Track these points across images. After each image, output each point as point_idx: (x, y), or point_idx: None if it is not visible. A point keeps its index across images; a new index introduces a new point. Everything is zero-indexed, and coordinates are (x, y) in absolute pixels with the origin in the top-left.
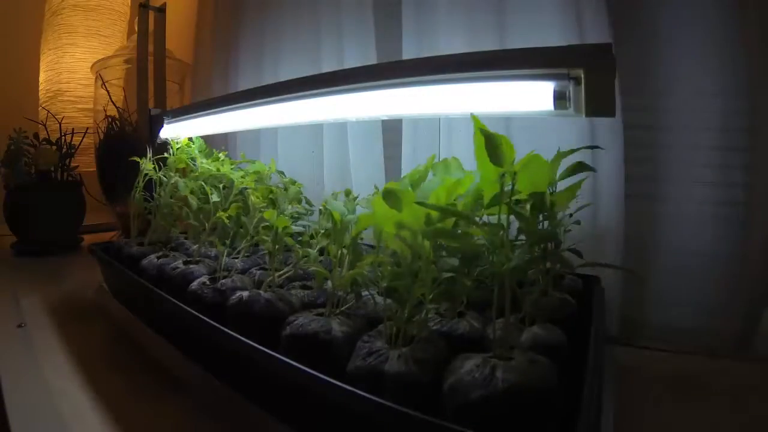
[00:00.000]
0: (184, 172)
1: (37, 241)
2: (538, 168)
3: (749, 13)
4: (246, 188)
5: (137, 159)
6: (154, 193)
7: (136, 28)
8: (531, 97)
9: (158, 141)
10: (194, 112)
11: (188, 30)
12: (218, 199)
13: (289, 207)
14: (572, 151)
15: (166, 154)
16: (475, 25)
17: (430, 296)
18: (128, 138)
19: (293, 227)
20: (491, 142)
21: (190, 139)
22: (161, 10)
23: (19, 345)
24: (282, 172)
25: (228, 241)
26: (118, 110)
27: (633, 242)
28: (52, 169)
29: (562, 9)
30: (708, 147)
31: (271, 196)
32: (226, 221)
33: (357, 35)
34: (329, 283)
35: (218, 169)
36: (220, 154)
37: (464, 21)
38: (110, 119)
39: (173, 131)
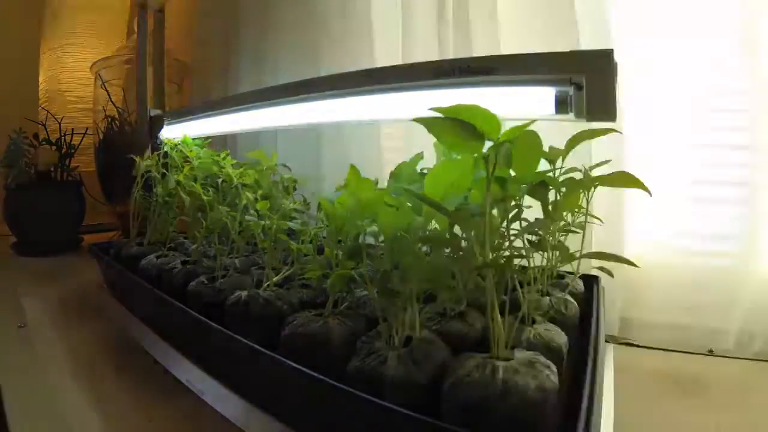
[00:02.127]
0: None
1: (37, 241)
2: (529, 145)
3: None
4: (243, 184)
5: (134, 157)
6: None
7: (136, 29)
8: (532, 101)
9: (158, 141)
10: (194, 113)
11: (188, 30)
12: (214, 197)
13: (289, 204)
14: (596, 132)
15: (163, 151)
16: (474, 26)
17: (424, 295)
18: (128, 138)
19: (289, 223)
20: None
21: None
22: (160, 11)
23: (19, 345)
24: (286, 166)
25: (226, 239)
26: (117, 110)
27: (633, 242)
28: (52, 169)
29: None
30: (708, 145)
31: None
32: (224, 217)
33: (356, 37)
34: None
35: (218, 163)
36: (221, 154)
37: (462, 22)
38: (110, 119)
39: (173, 132)
